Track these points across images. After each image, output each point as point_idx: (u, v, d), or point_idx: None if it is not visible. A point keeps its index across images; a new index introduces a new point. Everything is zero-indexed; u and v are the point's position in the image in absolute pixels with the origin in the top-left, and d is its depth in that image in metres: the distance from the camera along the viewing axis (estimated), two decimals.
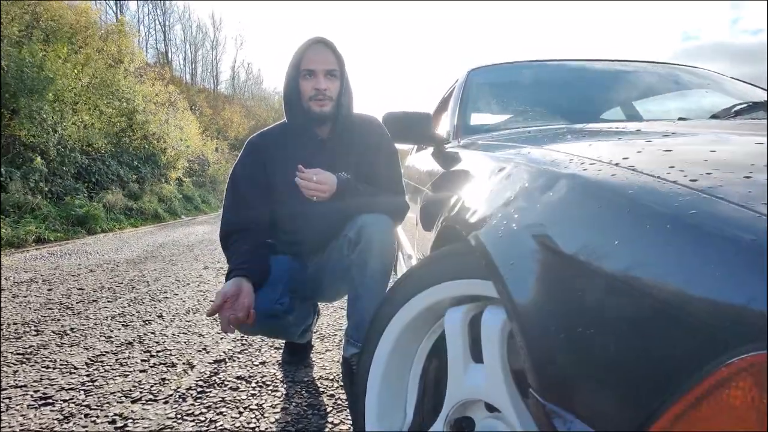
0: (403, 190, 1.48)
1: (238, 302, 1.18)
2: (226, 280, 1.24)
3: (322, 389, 1.57)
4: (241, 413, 1.40)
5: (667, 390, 0.36)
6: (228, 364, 1.78)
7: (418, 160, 2.19)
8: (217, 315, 1.19)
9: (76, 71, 8.36)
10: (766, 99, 1.51)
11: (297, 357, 1.80)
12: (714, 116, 1.25)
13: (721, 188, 0.43)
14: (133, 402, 1.48)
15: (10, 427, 1.33)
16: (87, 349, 1.96)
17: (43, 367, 1.76)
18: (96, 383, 1.62)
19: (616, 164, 0.57)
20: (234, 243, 1.36)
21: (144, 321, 2.37)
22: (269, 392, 1.55)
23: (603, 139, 0.83)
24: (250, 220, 1.39)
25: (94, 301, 2.78)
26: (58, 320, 2.38)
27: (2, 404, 1.46)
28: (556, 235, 0.54)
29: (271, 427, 1.32)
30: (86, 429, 1.32)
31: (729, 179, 0.46)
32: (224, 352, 1.92)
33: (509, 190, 0.69)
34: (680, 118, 1.25)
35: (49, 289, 3.07)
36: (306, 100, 1.35)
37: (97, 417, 1.39)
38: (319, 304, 1.79)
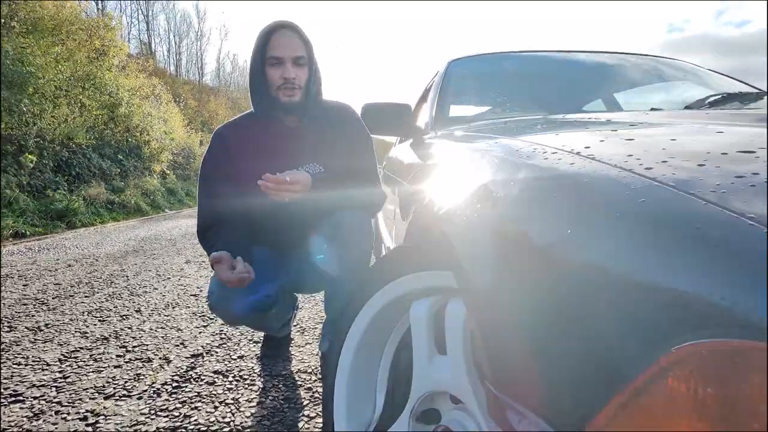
0: (378, 179, 1.46)
1: (237, 261, 1.16)
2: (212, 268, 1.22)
3: (299, 382, 1.55)
4: (216, 408, 1.39)
5: (613, 381, 0.35)
6: (205, 359, 1.76)
7: (399, 152, 2.17)
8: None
9: (57, 64, 8.16)
10: (739, 91, 1.52)
11: (276, 351, 1.78)
12: (687, 107, 1.26)
13: (673, 177, 0.43)
14: (105, 398, 1.45)
15: None
16: (61, 345, 1.92)
17: (14, 364, 1.72)
18: (68, 380, 1.59)
19: (577, 153, 0.56)
20: (214, 234, 1.33)
21: (121, 316, 2.33)
22: (246, 386, 1.53)
23: (572, 129, 0.83)
24: (225, 212, 1.36)
25: (70, 296, 2.73)
26: (33, 316, 2.33)
27: None
28: (513, 226, 0.53)
29: (246, 422, 1.31)
30: (56, 426, 1.29)
31: (683, 168, 0.45)
32: (202, 346, 1.89)
33: (474, 180, 0.68)
34: (652, 109, 1.25)
35: (24, 285, 3.01)
36: (274, 90, 1.30)
37: (68, 414, 1.36)
38: (299, 298, 1.78)
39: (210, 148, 1.40)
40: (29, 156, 6.73)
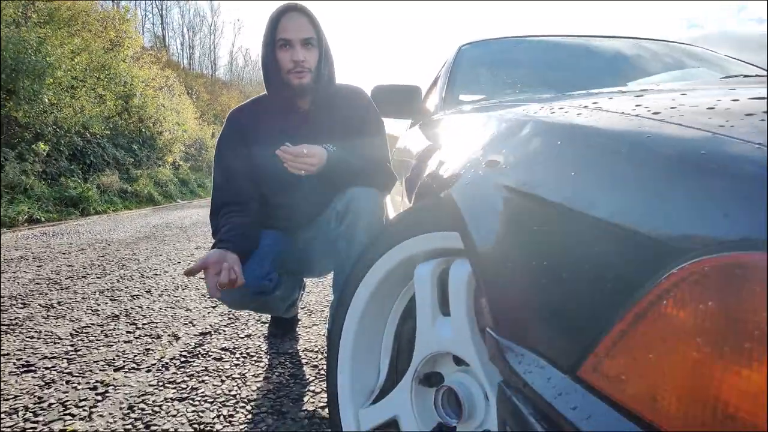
0: (389, 160, 1.46)
1: (223, 268, 1.16)
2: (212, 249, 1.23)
3: (305, 360, 1.57)
4: (223, 381, 1.40)
5: (612, 311, 0.35)
6: (213, 336, 1.78)
7: (408, 136, 2.17)
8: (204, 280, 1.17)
9: (74, 55, 8.26)
10: (756, 74, 1.49)
11: (283, 330, 1.80)
12: None
13: (681, 117, 0.42)
14: (115, 370, 1.48)
15: None
16: (72, 321, 1.96)
17: (27, 338, 1.76)
18: (79, 353, 1.62)
19: (585, 107, 0.56)
20: (224, 216, 1.34)
21: (132, 296, 2.36)
22: (253, 362, 1.55)
23: (582, 97, 0.82)
24: (239, 194, 1.37)
25: (83, 277, 2.78)
26: (46, 294, 2.37)
27: None
28: (515, 175, 0.53)
29: (252, 395, 1.32)
30: (66, 394, 1.32)
31: (692, 111, 0.45)
32: (210, 325, 1.91)
33: (480, 141, 0.67)
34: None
35: (38, 266, 3.07)
36: (284, 73, 1.31)
37: (78, 384, 1.39)
38: (306, 279, 1.79)
39: (225, 130, 1.42)
40: (42, 145, 6.83)
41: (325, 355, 1.59)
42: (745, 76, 1.25)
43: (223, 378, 1.43)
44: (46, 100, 7.14)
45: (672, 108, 0.47)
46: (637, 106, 0.50)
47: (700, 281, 0.29)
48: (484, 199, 0.56)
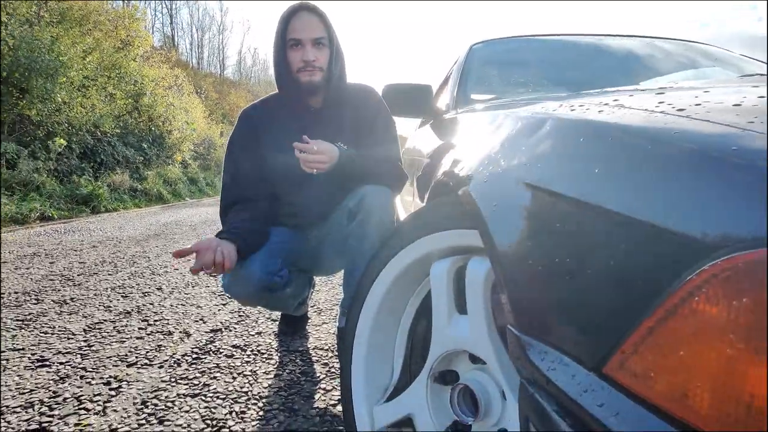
0: (400, 159, 1.46)
1: (216, 252, 1.16)
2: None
3: (316, 358, 1.57)
4: (234, 378, 1.41)
5: (639, 308, 0.35)
6: (224, 334, 1.79)
7: (419, 135, 2.17)
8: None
9: (84, 54, 8.35)
10: None
11: (293, 328, 1.80)
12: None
13: (708, 114, 0.42)
14: (128, 366, 1.49)
15: (6, 385, 1.35)
16: (85, 317, 1.98)
17: (41, 333, 1.78)
18: (93, 348, 1.64)
19: (605, 104, 0.56)
20: (234, 211, 1.35)
21: (143, 293, 2.38)
22: (264, 360, 1.55)
23: (599, 95, 0.82)
24: (249, 192, 1.38)
25: (94, 273, 2.80)
26: (59, 290, 2.40)
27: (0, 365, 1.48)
28: (539, 174, 0.53)
29: (263, 392, 1.33)
30: (81, 389, 1.33)
31: (717, 108, 0.44)
32: (221, 322, 1.93)
33: (497, 138, 0.67)
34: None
35: (51, 263, 3.10)
36: (295, 72, 1.31)
37: (92, 379, 1.40)
38: (315, 279, 1.79)
39: (236, 129, 1.42)
40: (59, 140, 6.90)
41: (336, 353, 1.59)
42: (761, 75, 1.23)
43: (235, 375, 1.43)
44: (59, 99, 7.22)
45: (697, 105, 0.46)
46: (660, 103, 0.50)
47: (732, 278, 0.29)
48: (504, 196, 0.56)
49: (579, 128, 0.51)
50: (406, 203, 2.06)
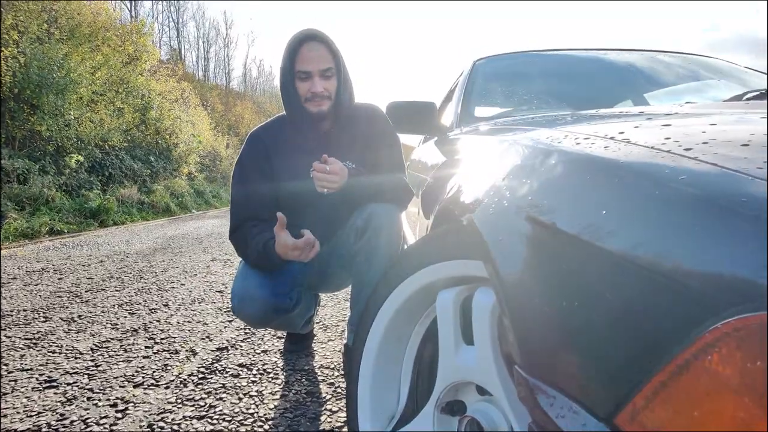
0: (405, 174, 1.48)
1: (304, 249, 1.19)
2: (263, 249, 1.24)
3: (322, 377, 1.56)
4: (240, 399, 1.41)
5: (651, 361, 0.34)
6: (230, 352, 1.79)
7: (423, 152, 2.17)
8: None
9: (93, 70, 8.48)
10: None
11: (299, 346, 1.80)
12: (724, 102, 1.22)
13: (715, 155, 0.42)
14: (135, 386, 1.49)
15: (14, 408, 1.35)
16: (93, 335, 1.98)
17: (49, 352, 1.79)
18: (100, 368, 1.64)
19: (611, 138, 0.55)
20: (251, 228, 1.33)
21: (150, 309, 2.39)
22: (270, 379, 1.55)
23: (603, 120, 0.81)
24: (263, 210, 1.37)
25: (102, 290, 2.82)
26: (67, 308, 2.41)
27: (8, 386, 1.49)
28: (545, 210, 0.52)
29: (269, 413, 1.32)
30: (88, 411, 1.33)
31: (726, 148, 0.44)
32: (227, 340, 1.92)
33: (503, 168, 0.67)
34: (688, 102, 1.22)
35: (59, 278, 3.12)
36: (303, 102, 1.33)
37: (99, 400, 1.40)
38: (321, 296, 1.79)
39: (245, 148, 1.43)
40: (77, 156, 6.98)
41: (341, 372, 1.58)
42: (763, 92, 1.22)
43: (241, 396, 1.43)
44: (69, 115, 7.32)
45: (704, 144, 0.46)
46: (666, 139, 0.50)
47: (745, 338, 0.29)
48: (509, 229, 0.55)
49: (585, 165, 0.51)
50: (410, 215, 2.06)
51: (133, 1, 22.62)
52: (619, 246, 0.40)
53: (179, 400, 1.40)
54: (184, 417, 1.30)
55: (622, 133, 0.57)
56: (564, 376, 0.43)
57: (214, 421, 1.28)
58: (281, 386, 1.50)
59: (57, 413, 1.32)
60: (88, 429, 1.24)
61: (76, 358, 1.73)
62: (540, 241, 0.51)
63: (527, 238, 0.52)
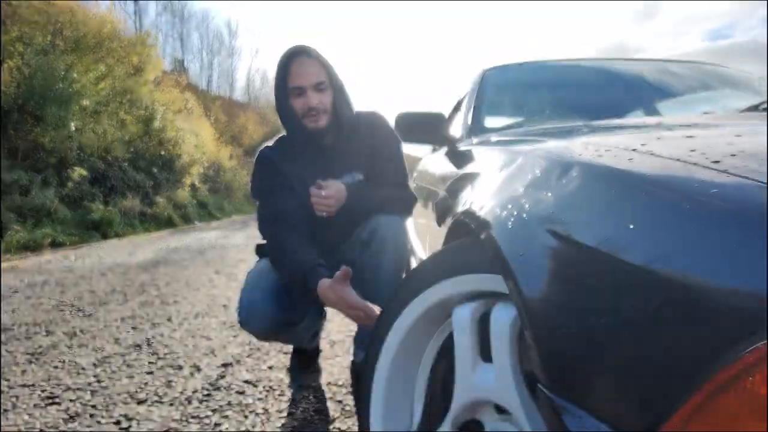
0: (407, 180, 1.47)
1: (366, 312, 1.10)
2: (309, 278, 1.16)
3: (329, 395, 1.53)
4: (246, 417, 1.38)
5: (686, 382, 0.33)
6: (235, 368, 1.76)
7: (432, 162, 2.16)
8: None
9: (97, 81, 8.54)
10: None
11: (305, 364, 1.77)
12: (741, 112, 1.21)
13: (746, 168, 0.40)
14: (138, 403, 1.47)
15: (15, 425, 1.32)
16: (95, 350, 1.96)
17: (51, 367, 1.76)
18: (102, 384, 1.61)
19: (634, 150, 0.54)
20: (289, 232, 1.27)
21: (153, 324, 2.37)
22: (276, 397, 1.52)
23: (621, 131, 0.80)
24: (289, 213, 1.32)
25: (104, 303, 2.80)
26: (69, 322, 2.39)
27: (9, 403, 1.46)
28: (568, 224, 0.51)
29: None
30: (91, 429, 1.31)
31: (754, 160, 0.42)
32: (232, 355, 1.90)
33: (520, 180, 0.66)
34: (705, 113, 1.21)
35: (61, 292, 3.10)
36: (300, 118, 1.32)
37: (102, 417, 1.37)
38: (327, 309, 1.76)
39: (259, 167, 1.41)
40: (79, 170, 6.99)
41: (349, 389, 1.55)
42: None
43: (246, 413, 1.40)
44: (72, 127, 7.35)
45: (732, 156, 0.44)
46: (692, 151, 0.48)
47: None
48: (531, 243, 0.54)
49: (610, 178, 0.49)
50: (418, 225, 2.04)
51: (135, 1, 22.72)
52: (651, 261, 0.39)
53: (184, 417, 1.37)
54: None
55: (644, 144, 0.55)
56: (592, 396, 0.41)
57: None
58: (288, 403, 1.47)
59: (59, 431, 1.29)
60: None
61: (78, 373, 1.71)
62: (564, 255, 0.49)
63: (551, 253, 0.51)
